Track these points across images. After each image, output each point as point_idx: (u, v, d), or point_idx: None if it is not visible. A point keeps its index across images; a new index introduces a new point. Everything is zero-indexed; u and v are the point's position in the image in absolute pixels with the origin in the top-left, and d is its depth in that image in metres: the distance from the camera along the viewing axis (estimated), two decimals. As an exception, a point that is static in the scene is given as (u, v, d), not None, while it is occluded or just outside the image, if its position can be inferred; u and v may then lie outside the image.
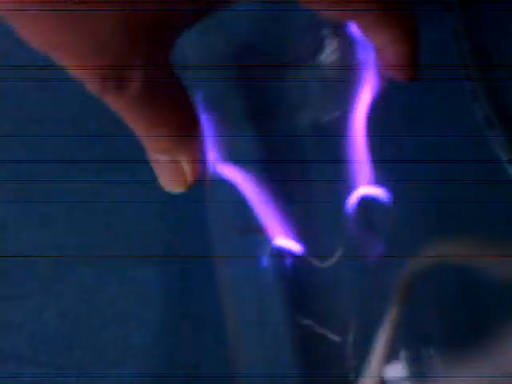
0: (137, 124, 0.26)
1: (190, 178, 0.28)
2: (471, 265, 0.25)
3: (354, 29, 0.28)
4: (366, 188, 0.29)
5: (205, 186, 0.30)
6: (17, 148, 0.37)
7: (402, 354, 0.27)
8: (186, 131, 0.27)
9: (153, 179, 0.29)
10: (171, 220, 0.36)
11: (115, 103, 0.25)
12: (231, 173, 0.29)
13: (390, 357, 0.27)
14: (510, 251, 0.25)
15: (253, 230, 0.29)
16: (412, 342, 0.28)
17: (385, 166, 0.29)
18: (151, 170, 0.29)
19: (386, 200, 0.29)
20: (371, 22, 0.27)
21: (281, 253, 0.29)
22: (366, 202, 0.29)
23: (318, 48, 0.30)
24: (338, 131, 0.29)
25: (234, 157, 0.29)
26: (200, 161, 0.28)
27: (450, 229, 0.33)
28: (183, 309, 0.34)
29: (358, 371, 0.27)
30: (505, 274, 0.25)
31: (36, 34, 0.23)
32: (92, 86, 0.24)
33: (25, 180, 0.37)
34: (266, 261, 0.29)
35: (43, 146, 0.37)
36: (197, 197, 0.30)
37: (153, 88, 0.25)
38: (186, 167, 0.27)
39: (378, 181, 0.29)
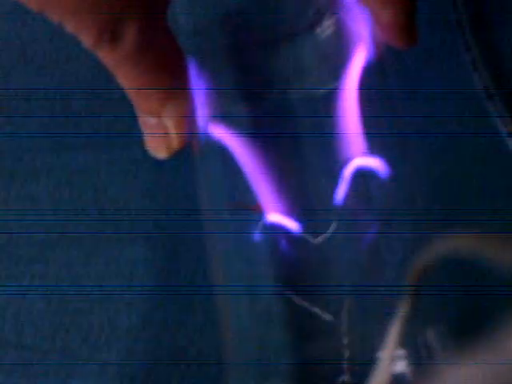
0: (128, 81, 0.26)
1: (175, 143, 0.28)
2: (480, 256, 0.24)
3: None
4: (361, 159, 0.28)
5: (195, 158, 0.29)
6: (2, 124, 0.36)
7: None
8: (175, 94, 0.27)
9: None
10: (160, 197, 0.34)
11: (108, 58, 0.25)
12: (224, 140, 0.28)
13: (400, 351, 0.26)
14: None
15: (245, 206, 0.29)
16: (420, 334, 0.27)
17: (380, 137, 0.28)
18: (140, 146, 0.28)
19: (382, 172, 0.28)
20: None
21: (274, 228, 0.28)
22: (362, 174, 0.28)
23: (314, 19, 0.29)
24: (332, 103, 0.28)
25: (226, 123, 0.28)
26: (188, 126, 0.28)
27: (447, 204, 0.32)
28: (172, 289, 0.33)
29: (350, 351, 0.27)
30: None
31: None
32: (86, 40, 0.24)
33: (9, 157, 0.36)
34: (258, 236, 0.28)
35: (29, 122, 0.36)
36: (187, 174, 0.29)
37: (147, 45, 0.25)
38: (173, 131, 0.27)
39: (374, 152, 0.28)
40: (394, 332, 0.25)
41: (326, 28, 0.29)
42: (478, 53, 0.33)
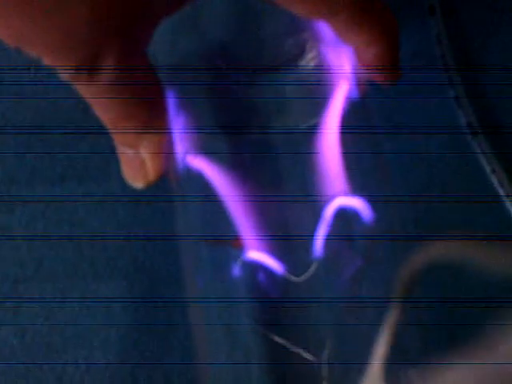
0: (105, 113, 0.26)
1: (152, 173, 0.27)
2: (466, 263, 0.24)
3: (331, 30, 0.27)
4: (343, 198, 0.28)
5: (173, 190, 0.29)
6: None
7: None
8: (152, 127, 0.27)
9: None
10: (137, 231, 0.34)
11: (86, 90, 0.25)
12: (203, 173, 0.28)
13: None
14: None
15: (224, 240, 0.28)
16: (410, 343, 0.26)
17: (363, 175, 0.28)
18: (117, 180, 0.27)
19: (364, 211, 0.27)
20: (347, 21, 0.26)
21: (253, 265, 0.27)
22: (343, 214, 0.27)
23: (296, 52, 0.28)
24: (314, 140, 0.28)
25: (205, 157, 0.28)
26: (165, 159, 0.28)
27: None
28: (149, 326, 0.32)
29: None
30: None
31: (5, 28, 0.23)
32: (64, 73, 0.24)
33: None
34: (236, 272, 0.27)
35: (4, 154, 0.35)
36: (165, 207, 0.28)
37: (125, 79, 0.25)
38: (149, 162, 0.27)
39: (356, 191, 0.27)
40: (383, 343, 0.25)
41: (308, 62, 0.29)
42: (462, 89, 0.33)
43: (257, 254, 0.28)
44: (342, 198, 0.28)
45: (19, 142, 0.35)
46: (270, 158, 0.29)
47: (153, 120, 0.27)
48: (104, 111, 0.26)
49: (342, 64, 0.28)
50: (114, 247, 0.34)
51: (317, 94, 0.29)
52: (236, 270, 0.28)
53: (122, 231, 0.34)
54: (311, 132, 0.28)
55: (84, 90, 0.25)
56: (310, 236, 0.27)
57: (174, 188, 0.29)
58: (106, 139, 0.27)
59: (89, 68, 0.24)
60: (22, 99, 0.36)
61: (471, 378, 0.22)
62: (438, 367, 0.24)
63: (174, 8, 0.26)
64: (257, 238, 0.28)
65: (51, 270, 0.33)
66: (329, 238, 0.27)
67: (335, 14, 0.26)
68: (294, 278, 0.28)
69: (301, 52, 0.29)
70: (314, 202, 0.28)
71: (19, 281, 0.33)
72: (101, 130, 0.26)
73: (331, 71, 0.29)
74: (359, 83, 0.28)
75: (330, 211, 0.27)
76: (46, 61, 0.24)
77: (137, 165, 0.27)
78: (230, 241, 0.28)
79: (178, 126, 0.28)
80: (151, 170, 0.27)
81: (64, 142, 0.35)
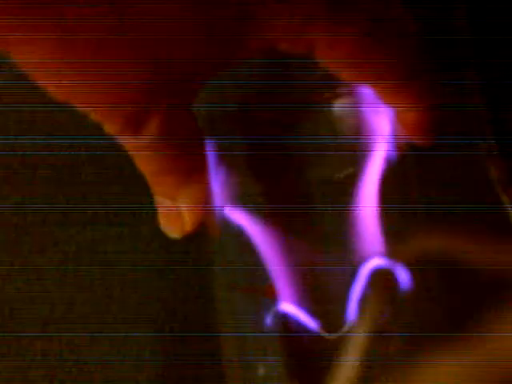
0: (146, 167, 0.26)
1: (189, 225, 0.27)
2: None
3: (370, 91, 0.27)
4: (379, 260, 0.28)
5: (210, 239, 0.29)
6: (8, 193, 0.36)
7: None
8: (192, 178, 0.27)
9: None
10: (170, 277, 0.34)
11: (129, 145, 0.25)
12: (241, 223, 0.28)
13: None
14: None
15: (258, 290, 0.28)
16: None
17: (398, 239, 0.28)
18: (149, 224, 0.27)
19: (400, 274, 0.28)
20: (390, 86, 0.27)
21: (286, 317, 0.28)
22: (379, 274, 0.27)
23: (330, 96, 0.29)
24: (350, 194, 0.28)
25: (244, 207, 0.28)
26: (203, 209, 0.27)
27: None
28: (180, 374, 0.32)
29: None
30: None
31: (55, 86, 0.24)
32: (111, 129, 0.25)
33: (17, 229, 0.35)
34: (270, 323, 0.28)
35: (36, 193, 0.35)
36: (198, 254, 0.28)
37: (170, 134, 0.25)
38: (187, 214, 0.27)
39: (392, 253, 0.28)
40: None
41: (343, 106, 0.29)
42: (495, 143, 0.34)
43: (291, 307, 0.28)
44: (379, 258, 0.28)
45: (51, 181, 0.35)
46: (307, 207, 0.29)
47: (193, 173, 0.27)
48: (146, 164, 0.26)
49: (380, 122, 0.29)
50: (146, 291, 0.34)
51: (352, 142, 0.29)
52: (269, 320, 0.28)
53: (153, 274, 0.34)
54: (349, 182, 0.28)
55: (128, 144, 0.25)
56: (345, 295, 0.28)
57: (210, 237, 0.29)
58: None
59: (135, 123, 0.24)
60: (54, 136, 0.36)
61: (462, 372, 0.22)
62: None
63: (221, 68, 0.26)
64: (292, 290, 0.28)
65: (81, 312, 0.33)
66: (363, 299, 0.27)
67: (380, 80, 0.26)
68: (326, 335, 0.28)
69: (334, 96, 0.29)
70: (350, 259, 0.28)
71: (49, 322, 0.33)
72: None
73: (368, 122, 0.29)
74: (397, 144, 0.28)
75: (365, 271, 0.28)
76: (94, 116, 0.24)
77: (174, 216, 0.27)
78: (264, 290, 0.28)
79: (218, 179, 0.28)
80: (188, 222, 0.27)
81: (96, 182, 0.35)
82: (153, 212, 0.28)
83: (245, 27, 0.24)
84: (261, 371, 0.28)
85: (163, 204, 0.27)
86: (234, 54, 0.25)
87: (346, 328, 0.27)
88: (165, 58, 0.24)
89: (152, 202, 0.27)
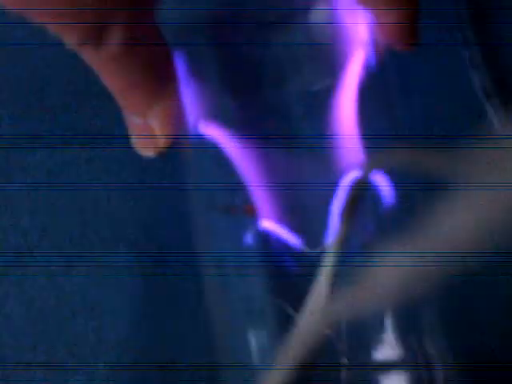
0: (113, 81, 0.25)
1: (162, 142, 0.27)
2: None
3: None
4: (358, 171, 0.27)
5: (183, 158, 0.28)
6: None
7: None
8: (161, 93, 0.26)
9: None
10: (145, 199, 0.33)
11: (93, 58, 0.24)
12: (215, 139, 0.27)
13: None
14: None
15: (237, 209, 0.27)
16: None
17: (379, 145, 0.27)
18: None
19: (381, 184, 0.27)
20: None
21: (266, 235, 0.27)
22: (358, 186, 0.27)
23: (306, 6, 0.27)
24: (328, 103, 0.27)
25: (217, 121, 0.27)
26: (175, 126, 0.27)
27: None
28: (159, 297, 0.32)
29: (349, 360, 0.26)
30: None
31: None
32: (70, 41, 0.24)
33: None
34: (250, 241, 0.27)
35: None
36: (174, 171, 0.27)
37: (133, 44, 0.24)
38: (159, 130, 0.27)
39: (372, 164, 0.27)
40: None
41: (319, 17, 0.27)
42: (477, 50, 0.32)
43: (270, 223, 0.27)
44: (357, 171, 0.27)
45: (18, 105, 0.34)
46: (284, 121, 0.28)
47: (162, 87, 0.26)
48: (112, 80, 0.25)
49: (357, 26, 0.27)
50: (121, 214, 0.33)
51: (330, 53, 0.28)
52: (249, 239, 0.27)
53: (129, 198, 0.33)
54: (326, 93, 0.27)
55: (91, 57, 0.24)
56: (326, 208, 0.27)
57: (185, 154, 0.28)
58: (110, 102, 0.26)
59: (96, 34, 0.23)
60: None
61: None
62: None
63: None
64: (270, 206, 0.27)
65: (56, 239, 0.32)
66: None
67: None
68: (308, 250, 0.27)
69: (311, 4, 0.27)
70: (330, 171, 0.27)
71: (23, 250, 0.32)
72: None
73: (345, 31, 0.28)
74: (377, 48, 0.27)
75: (346, 182, 0.27)
76: (52, 28, 0.23)
77: (146, 133, 0.27)
78: (243, 208, 0.27)
79: (188, 92, 0.27)
80: (161, 138, 0.27)
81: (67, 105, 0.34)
82: (125, 131, 0.27)
83: None
84: (242, 291, 0.28)
85: (134, 121, 0.27)
86: None
87: (326, 244, 0.27)
88: None
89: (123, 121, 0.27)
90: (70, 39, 0.23)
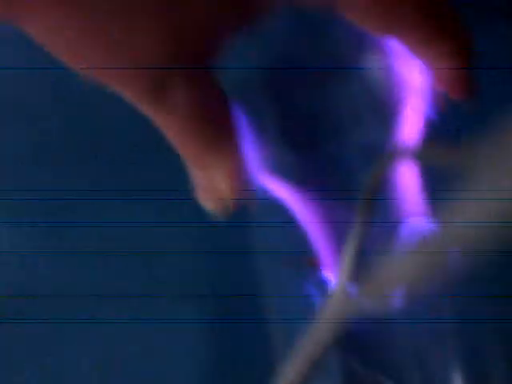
0: (175, 138, 0.26)
1: (227, 196, 0.27)
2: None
3: (402, 44, 0.26)
4: (421, 221, 0.27)
5: (248, 211, 0.28)
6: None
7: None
8: (223, 146, 0.26)
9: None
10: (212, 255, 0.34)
11: (154, 113, 0.25)
12: (278, 192, 0.28)
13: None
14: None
15: (302, 263, 0.28)
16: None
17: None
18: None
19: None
20: (419, 36, 0.25)
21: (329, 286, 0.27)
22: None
23: (362, 58, 0.28)
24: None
25: (278, 174, 0.28)
26: (240, 179, 0.27)
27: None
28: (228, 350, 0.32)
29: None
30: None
31: (74, 56, 0.23)
32: (131, 96, 0.24)
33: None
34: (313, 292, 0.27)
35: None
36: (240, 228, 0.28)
37: (194, 99, 0.25)
38: (223, 185, 0.27)
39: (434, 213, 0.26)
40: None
41: (376, 69, 0.28)
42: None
43: (333, 275, 0.27)
44: (419, 220, 0.27)
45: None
46: (343, 174, 0.28)
47: (223, 140, 0.26)
48: (173, 134, 0.26)
49: (413, 78, 0.27)
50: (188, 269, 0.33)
51: (386, 105, 0.28)
52: (312, 289, 0.27)
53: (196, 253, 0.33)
54: (385, 144, 0.27)
55: (152, 112, 0.25)
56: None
57: (249, 209, 0.28)
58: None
59: (157, 89, 0.24)
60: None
61: None
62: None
63: (241, 28, 0.25)
64: (333, 257, 0.27)
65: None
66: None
67: (407, 30, 0.25)
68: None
69: (367, 58, 0.28)
70: (391, 223, 0.27)
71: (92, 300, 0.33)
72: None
73: (402, 83, 0.28)
74: (435, 99, 0.27)
75: (407, 233, 0.27)
76: (115, 86, 0.24)
77: (211, 188, 0.27)
78: (308, 260, 0.27)
79: (249, 144, 0.28)
80: (225, 190, 0.27)
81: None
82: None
83: None
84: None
85: (198, 176, 0.27)
86: (250, 11, 0.24)
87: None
88: (180, 22, 0.23)
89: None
90: (131, 95, 0.24)
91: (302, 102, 0.28)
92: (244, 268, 0.30)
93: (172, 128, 0.26)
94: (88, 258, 0.34)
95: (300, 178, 0.28)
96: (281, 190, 0.28)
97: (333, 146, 0.28)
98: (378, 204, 0.26)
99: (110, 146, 0.36)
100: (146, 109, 0.25)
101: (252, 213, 0.28)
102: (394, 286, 0.24)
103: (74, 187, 0.35)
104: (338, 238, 0.27)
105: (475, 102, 0.27)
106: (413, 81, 0.27)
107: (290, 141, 0.28)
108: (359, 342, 0.27)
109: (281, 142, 0.28)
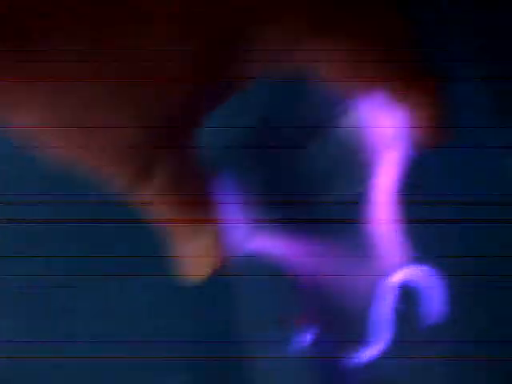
0: (159, 217, 0.26)
1: (214, 264, 0.27)
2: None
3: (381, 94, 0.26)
4: (405, 270, 0.26)
5: (231, 275, 0.28)
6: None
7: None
8: (208, 217, 0.26)
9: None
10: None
11: (142, 195, 0.25)
12: (262, 253, 0.28)
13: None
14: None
15: (289, 320, 0.27)
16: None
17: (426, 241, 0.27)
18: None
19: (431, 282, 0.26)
20: (402, 86, 0.26)
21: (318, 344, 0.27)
22: (407, 287, 0.26)
23: (339, 117, 0.28)
24: (366, 206, 0.27)
25: (262, 234, 0.28)
26: (224, 246, 0.27)
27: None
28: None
29: None
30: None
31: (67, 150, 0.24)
32: (121, 182, 0.25)
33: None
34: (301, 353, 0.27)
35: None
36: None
37: (178, 177, 0.25)
38: (209, 253, 0.26)
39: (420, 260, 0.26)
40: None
41: (352, 121, 0.28)
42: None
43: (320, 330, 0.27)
44: (403, 269, 0.27)
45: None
46: (326, 228, 0.28)
47: (207, 213, 0.26)
48: (158, 214, 0.26)
49: (390, 127, 0.27)
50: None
51: (364, 158, 0.28)
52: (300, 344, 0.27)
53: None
54: (364, 198, 0.27)
55: (141, 195, 0.25)
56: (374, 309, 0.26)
57: (235, 273, 0.28)
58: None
59: (144, 174, 0.24)
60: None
61: None
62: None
63: (219, 100, 0.26)
64: (320, 310, 0.27)
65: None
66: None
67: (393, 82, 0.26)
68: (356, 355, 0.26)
69: (343, 116, 0.28)
70: (373, 275, 0.27)
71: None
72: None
73: (381, 133, 0.28)
74: (412, 145, 0.27)
75: (391, 285, 0.26)
76: (104, 173, 0.24)
77: (196, 260, 0.27)
78: (294, 319, 0.27)
79: (233, 209, 0.27)
80: (212, 260, 0.27)
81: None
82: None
83: (234, 53, 0.24)
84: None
85: (183, 251, 0.27)
86: (228, 83, 0.25)
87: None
88: (159, 107, 0.24)
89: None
90: (121, 182, 0.25)
91: (283, 163, 0.28)
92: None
93: (158, 209, 0.26)
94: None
95: (285, 234, 0.28)
96: (268, 250, 0.27)
97: (314, 201, 0.28)
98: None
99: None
100: (135, 193, 0.25)
101: (238, 278, 0.28)
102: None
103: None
104: (324, 293, 0.27)
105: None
106: (388, 134, 0.27)
107: (273, 200, 0.28)
108: None
109: (265, 203, 0.28)
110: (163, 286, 0.33)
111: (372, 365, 0.26)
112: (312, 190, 0.28)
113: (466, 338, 0.27)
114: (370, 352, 0.26)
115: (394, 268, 0.27)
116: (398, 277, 0.26)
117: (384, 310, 0.26)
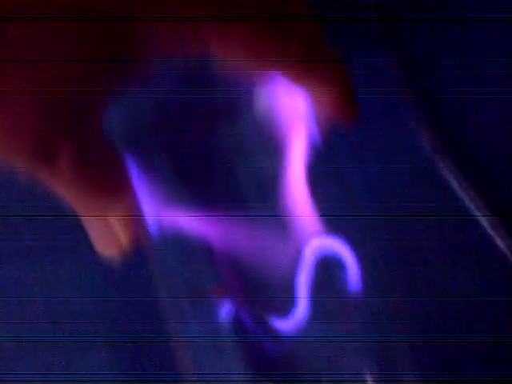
0: (68, 194, 0.25)
1: (125, 241, 0.27)
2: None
3: (283, 77, 0.27)
4: (319, 241, 0.27)
5: (147, 249, 0.28)
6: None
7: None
8: (118, 193, 0.26)
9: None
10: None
11: (46, 178, 0.25)
12: (176, 227, 0.28)
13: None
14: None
15: (205, 291, 0.28)
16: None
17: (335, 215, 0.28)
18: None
19: (343, 252, 0.27)
20: (303, 70, 0.26)
21: (238, 313, 0.28)
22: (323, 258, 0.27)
23: (249, 99, 0.28)
24: (279, 183, 0.28)
25: (175, 210, 0.28)
26: (135, 221, 0.27)
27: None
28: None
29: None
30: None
31: None
32: (20, 163, 0.24)
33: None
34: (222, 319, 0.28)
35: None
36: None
37: (83, 160, 0.25)
38: (119, 229, 0.26)
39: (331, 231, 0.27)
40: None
41: (261, 106, 0.28)
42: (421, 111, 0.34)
43: (240, 300, 0.28)
44: (318, 239, 0.28)
45: None
46: (238, 201, 0.29)
47: (117, 190, 0.26)
48: (67, 192, 0.25)
49: (298, 107, 0.28)
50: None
51: (274, 137, 0.29)
52: (221, 317, 0.28)
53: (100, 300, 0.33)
54: (275, 174, 0.28)
55: (44, 178, 0.25)
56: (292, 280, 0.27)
57: (149, 248, 0.28)
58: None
59: (44, 154, 0.24)
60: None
61: None
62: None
63: (123, 82, 0.25)
64: (238, 282, 0.28)
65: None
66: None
67: (292, 65, 0.26)
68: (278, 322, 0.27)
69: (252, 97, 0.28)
70: (290, 243, 0.28)
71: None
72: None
73: (288, 114, 0.28)
74: (319, 123, 0.28)
75: (308, 253, 0.27)
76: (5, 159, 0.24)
77: (107, 234, 0.27)
78: (212, 290, 0.28)
79: (143, 186, 0.28)
80: (124, 236, 0.27)
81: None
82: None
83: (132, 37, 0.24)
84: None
85: (94, 226, 0.27)
86: (130, 66, 0.25)
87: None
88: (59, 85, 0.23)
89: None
90: (20, 162, 0.24)
91: (194, 141, 0.28)
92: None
93: (67, 188, 0.25)
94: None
95: (198, 207, 0.28)
96: (181, 222, 0.28)
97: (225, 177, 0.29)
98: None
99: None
100: (40, 175, 0.24)
101: (154, 252, 0.29)
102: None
103: None
104: (241, 265, 0.28)
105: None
106: (298, 110, 0.28)
107: (184, 181, 0.29)
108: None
109: (176, 184, 0.28)
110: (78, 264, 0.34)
111: (292, 336, 0.27)
112: (224, 167, 0.29)
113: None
114: (289, 323, 0.27)
115: (309, 240, 0.27)
116: (314, 248, 0.27)
117: (301, 281, 0.27)
